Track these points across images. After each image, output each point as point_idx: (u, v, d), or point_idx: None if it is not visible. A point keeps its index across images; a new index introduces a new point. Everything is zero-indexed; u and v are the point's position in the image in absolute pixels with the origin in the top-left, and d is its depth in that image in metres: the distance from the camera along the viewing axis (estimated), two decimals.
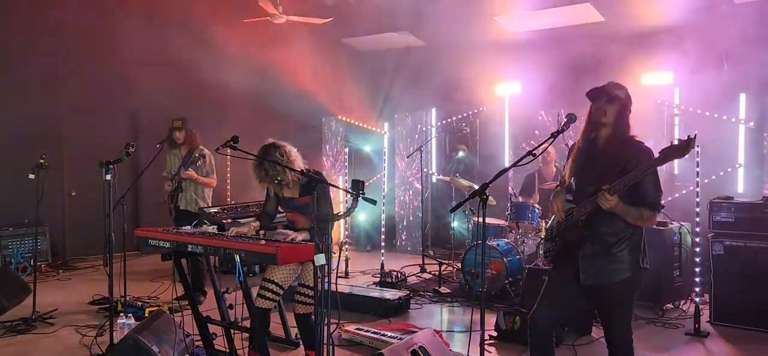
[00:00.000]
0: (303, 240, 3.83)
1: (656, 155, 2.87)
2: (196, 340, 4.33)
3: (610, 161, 3.05)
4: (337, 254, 6.55)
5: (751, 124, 7.20)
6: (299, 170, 3.83)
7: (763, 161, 7.12)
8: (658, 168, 2.96)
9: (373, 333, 4.90)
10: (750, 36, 6.73)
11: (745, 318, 5.25)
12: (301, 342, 4.80)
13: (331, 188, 3.83)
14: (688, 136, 2.75)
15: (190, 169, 6.07)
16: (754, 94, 7.18)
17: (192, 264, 5.93)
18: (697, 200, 5.31)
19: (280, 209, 4.20)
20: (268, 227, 4.24)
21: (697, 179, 5.28)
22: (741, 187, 6.96)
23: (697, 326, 5.15)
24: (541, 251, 6.12)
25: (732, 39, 6.87)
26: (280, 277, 3.94)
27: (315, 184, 3.59)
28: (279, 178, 3.89)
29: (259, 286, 4.00)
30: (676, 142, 2.79)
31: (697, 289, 5.33)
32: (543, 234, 4.32)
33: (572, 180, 3.23)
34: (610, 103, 3.09)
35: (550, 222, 3.46)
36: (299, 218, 4.07)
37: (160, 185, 6.44)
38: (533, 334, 3.30)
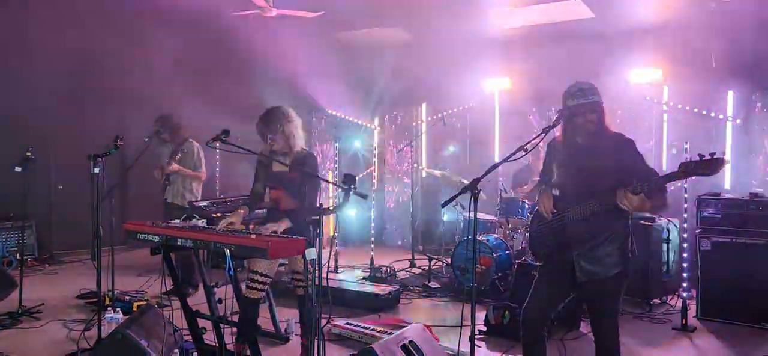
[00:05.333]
0: (285, 230, 3.73)
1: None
2: (185, 335, 4.30)
3: (593, 158, 3.08)
4: (329, 249, 6.54)
5: (738, 121, 7.27)
6: (296, 143, 3.87)
7: (750, 158, 7.18)
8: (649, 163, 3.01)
9: (363, 327, 4.90)
10: (738, 34, 6.77)
11: (731, 313, 5.32)
12: (290, 337, 4.80)
13: (321, 181, 3.80)
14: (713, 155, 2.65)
15: (173, 163, 6.04)
16: (741, 91, 7.24)
17: (181, 258, 5.89)
18: (685, 196, 5.35)
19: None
20: (257, 208, 4.16)
21: None
22: (728, 184, 7.01)
23: (684, 321, 5.20)
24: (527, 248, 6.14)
25: (720, 37, 6.92)
26: (265, 267, 3.87)
27: (305, 163, 3.63)
28: (272, 138, 3.87)
29: (247, 278, 3.97)
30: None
31: (684, 284, 5.38)
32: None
33: (556, 177, 3.28)
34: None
35: (533, 220, 3.50)
36: (284, 198, 3.94)
37: (147, 178, 6.38)
38: (525, 331, 3.30)
